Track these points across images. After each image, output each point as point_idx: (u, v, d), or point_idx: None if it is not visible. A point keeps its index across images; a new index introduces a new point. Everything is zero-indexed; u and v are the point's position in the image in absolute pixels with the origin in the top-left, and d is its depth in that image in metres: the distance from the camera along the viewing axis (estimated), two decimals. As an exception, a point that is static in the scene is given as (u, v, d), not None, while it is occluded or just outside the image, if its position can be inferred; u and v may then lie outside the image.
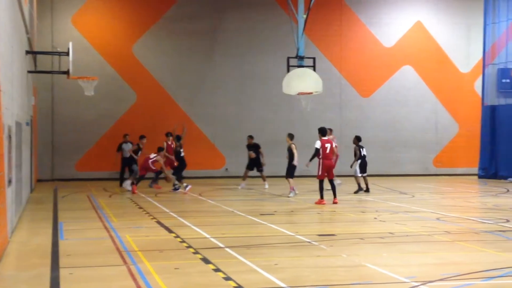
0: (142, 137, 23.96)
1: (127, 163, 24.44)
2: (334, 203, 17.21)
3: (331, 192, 17.63)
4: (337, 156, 21.32)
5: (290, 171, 19.91)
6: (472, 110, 30.82)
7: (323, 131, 17.68)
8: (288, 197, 19.45)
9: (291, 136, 20.20)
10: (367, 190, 21.04)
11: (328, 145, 17.31)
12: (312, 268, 8.84)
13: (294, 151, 19.73)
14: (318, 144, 17.34)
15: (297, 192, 19.98)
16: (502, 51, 29.51)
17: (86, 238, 11.63)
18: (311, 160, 17.78)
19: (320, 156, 17.30)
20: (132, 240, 11.12)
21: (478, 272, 8.43)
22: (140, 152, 23.84)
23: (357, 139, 21.54)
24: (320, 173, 17.29)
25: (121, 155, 24.89)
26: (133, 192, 21.04)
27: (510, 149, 27.21)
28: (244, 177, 23.60)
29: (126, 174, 24.50)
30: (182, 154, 22.76)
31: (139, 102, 28.79)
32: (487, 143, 29.11)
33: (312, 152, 17.71)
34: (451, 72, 31.60)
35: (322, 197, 17.40)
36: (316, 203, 17.35)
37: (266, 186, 23.05)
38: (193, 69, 29.37)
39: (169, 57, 29.21)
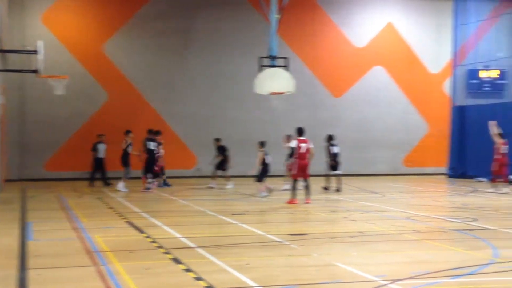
0: (128, 132, 23.65)
1: (101, 163, 24.26)
2: (306, 203, 17.18)
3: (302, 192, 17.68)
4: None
5: (260, 176, 19.89)
6: (441, 110, 31.15)
7: (299, 131, 17.66)
8: (261, 197, 19.41)
9: (261, 144, 20.27)
10: (338, 190, 21.16)
11: (303, 145, 17.28)
12: (283, 267, 8.87)
13: (258, 159, 19.82)
14: (293, 144, 17.35)
15: (268, 194, 19.80)
16: (471, 52, 29.93)
17: (55, 239, 11.51)
18: (288, 159, 17.78)
19: (296, 156, 17.25)
20: (102, 240, 11.04)
21: (446, 270, 8.53)
22: (131, 147, 23.45)
23: (329, 137, 22.06)
24: (294, 172, 17.28)
25: (94, 155, 24.63)
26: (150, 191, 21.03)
27: (478, 149, 27.54)
28: (214, 176, 23.75)
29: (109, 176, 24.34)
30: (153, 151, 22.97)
31: (110, 101, 28.58)
32: (456, 143, 29.46)
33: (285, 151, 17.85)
34: (421, 73, 31.92)
35: (294, 196, 17.36)
36: (287, 202, 17.34)
37: (229, 186, 23.16)
38: (165, 68, 29.25)
39: (141, 56, 29.06)
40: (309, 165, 17.56)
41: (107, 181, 24.49)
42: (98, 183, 24.28)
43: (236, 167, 24.56)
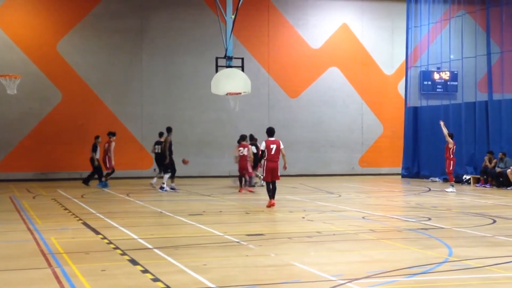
0: (113, 134, 23.62)
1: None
2: (271, 205, 16.47)
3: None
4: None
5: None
6: (396, 111, 31.60)
7: (270, 132, 16.80)
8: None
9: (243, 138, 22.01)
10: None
11: (273, 146, 16.47)
12: (241, 267, 8.88)
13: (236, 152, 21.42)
14: (262, 145, 16.61)
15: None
16: (424, 54, 30.44)
17: (8, 241, 11.30)
18: (259, 161, 17.22)
19: (265, 158, 16.52)
20: (57, 242, 10.89)
21: (402, 269, 8.66)
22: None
23: (250, 137, 23.07)
24: (264, 174, 16.64)
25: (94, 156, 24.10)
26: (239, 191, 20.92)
27: (431, 149, 28.04)
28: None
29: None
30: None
31: (64, 101, 28.19)
32: (410, 144, 29.91)
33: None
34: (376, 74, 32.32)
35: (270, 197, 16.68)
36: (267, 206, 16.54)
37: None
38: (120, 68, 28.99)
39: (96, 56, 28.74)
40: (279, 167, 16.65)
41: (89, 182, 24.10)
42: (93, 183, 23.94)
43: (195, 167, 24.47)
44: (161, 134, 22.77)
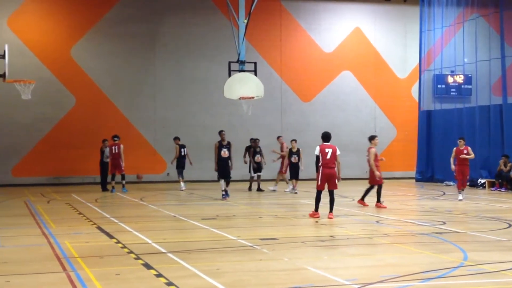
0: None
1: (107, 167, 24.07)
2: (329, 218, 15.02)
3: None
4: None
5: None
6: (409, 115, 31.49)
7: (325, 136, 15.67)
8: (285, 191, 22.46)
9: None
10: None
11: (329, 150, 15.27)
12: (254, 272, 8.87)
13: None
14: (317, 151, 15.39)
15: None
16: (437, 58, 30.32)
17: (23, 245, 11.35)
18: (317, 168, 15.65)
19: (320, 164, 15.31)
20: (71, 246, 10.92)
21: (416, 273, 8.61)
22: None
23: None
24: (319, 182, 15.29)
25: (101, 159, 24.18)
26: (365, 205, 18.20)
27: (445, 153, 27.82)
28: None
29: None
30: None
31: (78, 106, 28.34)
32: (423, 147, 29.78)
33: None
34: (389, 78, 32.23)
35: (316, 209, 15.33)
36: (310, 215, 15.46)
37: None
38: (132, 72, 29.10)
39: (108, 61, 28.88)
40: (336, 173, 15.45)
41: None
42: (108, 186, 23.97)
43: (208, 171, 24.55)
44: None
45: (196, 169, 27.98)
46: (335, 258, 9.94)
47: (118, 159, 23.54)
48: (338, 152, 15.43)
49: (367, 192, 18.32)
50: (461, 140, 20.56)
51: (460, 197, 20.04)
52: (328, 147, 15.38)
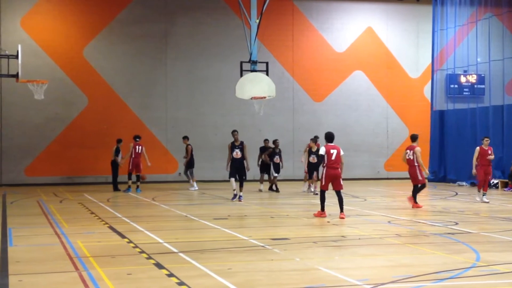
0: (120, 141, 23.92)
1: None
2: (341, 218, 15.04)
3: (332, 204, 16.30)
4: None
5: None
6: (421, 114, 31.37)
7: (329, 137, 15.57)
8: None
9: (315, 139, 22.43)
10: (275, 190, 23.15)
11: (334, 151, 15.25)
12: (265, 272, 8.86)
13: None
14: (322, 150, 15.36)
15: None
16: (450, 57, 30.19)
17: (36, 245, 11.41)
18: (322, 167, 15.77)
19: (324, 164, 15.35)
20: (83, 246, 10.96)
21: (428, 274, 8.57)
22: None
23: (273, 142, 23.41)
24: (323, 182, 15.40)
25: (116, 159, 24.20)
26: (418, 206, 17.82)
27: (458, 153, 27.78)
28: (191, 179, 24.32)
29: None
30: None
31: (90, 106, 28.44)
32: (436, 147, 29.66)
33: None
34: (401, 78, 32.13)
35: (322, 209, 15.42)
36: (315, 215, 15.55)
37: (193, 188, 24.09)
38: (144, 72, 29.18)
39: (121, 61, 28.97)
40: (340, 174, 15.49)
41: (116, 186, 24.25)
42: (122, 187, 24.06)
43: (219, 171, 24.58)
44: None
45: (208, 169, 28.04)
46: (347, 258, 9.91)
47: (140, 159, 23.56)
48: (342, 153, 15.51)
49: (415, 192, 18.01)
50: (487, 139, 19.40)
51: (484, 199, 19.12)
52: (333, 147, 15.41)
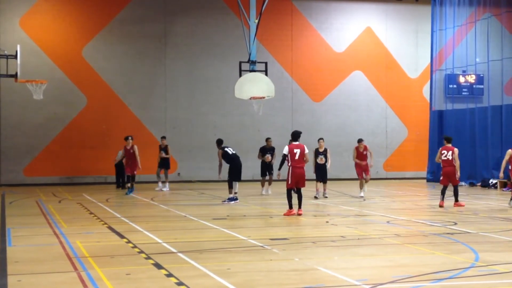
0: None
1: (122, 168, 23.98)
2: (299, 214, 15.57)
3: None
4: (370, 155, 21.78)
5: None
6: (420, 114, 31.38)
7: (293, 135, 15.96)
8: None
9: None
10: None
11: (297, 151, 15.47)
12: (264, 272, 8.86)
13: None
14: (285, 150, 15.64)
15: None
16: (449, 57, 30.19)
17: (35, 245, 11.40)
18: (280, 167, 16.53)
19: (289, 163, 15.61)
20: (82, 246, 10.96)
21: (427, 274, 8.58)
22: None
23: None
24: (289, 182, 15.61)
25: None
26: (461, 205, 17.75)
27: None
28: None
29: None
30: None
31: (89, 106, 28.44)
32: (435, 147, 29.58)
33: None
34: (400, 78, 32.14)
35: (290, 207, 15.70)
36: (284, 214, 15.68)
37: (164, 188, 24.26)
38: (144, 72, 29.17)
39: (120, 61, 28.96)
40: (304, 173, 15.78)
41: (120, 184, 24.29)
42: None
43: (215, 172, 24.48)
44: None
45: (208, 169, 28.01)
46: (346, 258, 9.91)
47: (133, 160, 23.28)
48: (306, 151, 15.66)
49: (456, 193, 17.98)
50: None
51: None
52: (297, 147, 15.70)
